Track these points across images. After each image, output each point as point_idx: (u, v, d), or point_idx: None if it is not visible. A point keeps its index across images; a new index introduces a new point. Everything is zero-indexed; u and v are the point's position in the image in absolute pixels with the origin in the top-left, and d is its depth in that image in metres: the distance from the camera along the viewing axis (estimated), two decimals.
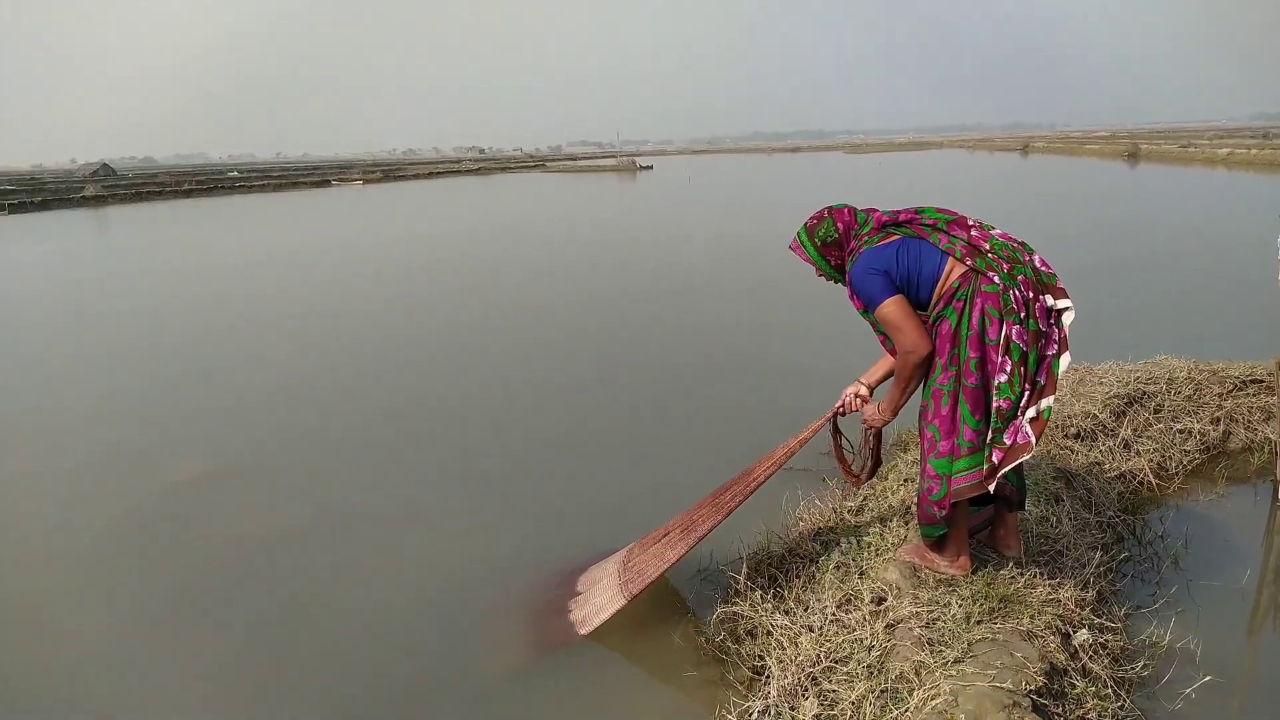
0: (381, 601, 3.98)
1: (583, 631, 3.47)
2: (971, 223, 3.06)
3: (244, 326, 10.54)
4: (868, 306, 3.04)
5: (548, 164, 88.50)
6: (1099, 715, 2.66)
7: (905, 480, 4.21)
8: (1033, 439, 2.89)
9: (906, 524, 3.66)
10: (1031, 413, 2.90)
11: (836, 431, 3.55)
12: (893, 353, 3.13)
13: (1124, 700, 2.79)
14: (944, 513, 3.02)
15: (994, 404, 2.88)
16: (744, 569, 3.58)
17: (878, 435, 3.43)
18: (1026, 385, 2.87)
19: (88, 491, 5.40)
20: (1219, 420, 5.03)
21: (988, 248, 2.95)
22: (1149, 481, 4.49)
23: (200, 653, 3.67)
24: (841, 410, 3.39)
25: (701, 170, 61.46)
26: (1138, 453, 4.67)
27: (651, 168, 66.82)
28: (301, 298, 12.58)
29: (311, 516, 4.89)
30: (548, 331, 9.42)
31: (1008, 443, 2.88)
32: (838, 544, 3.67)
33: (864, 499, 4.17)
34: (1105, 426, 4.79)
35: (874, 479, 3.75)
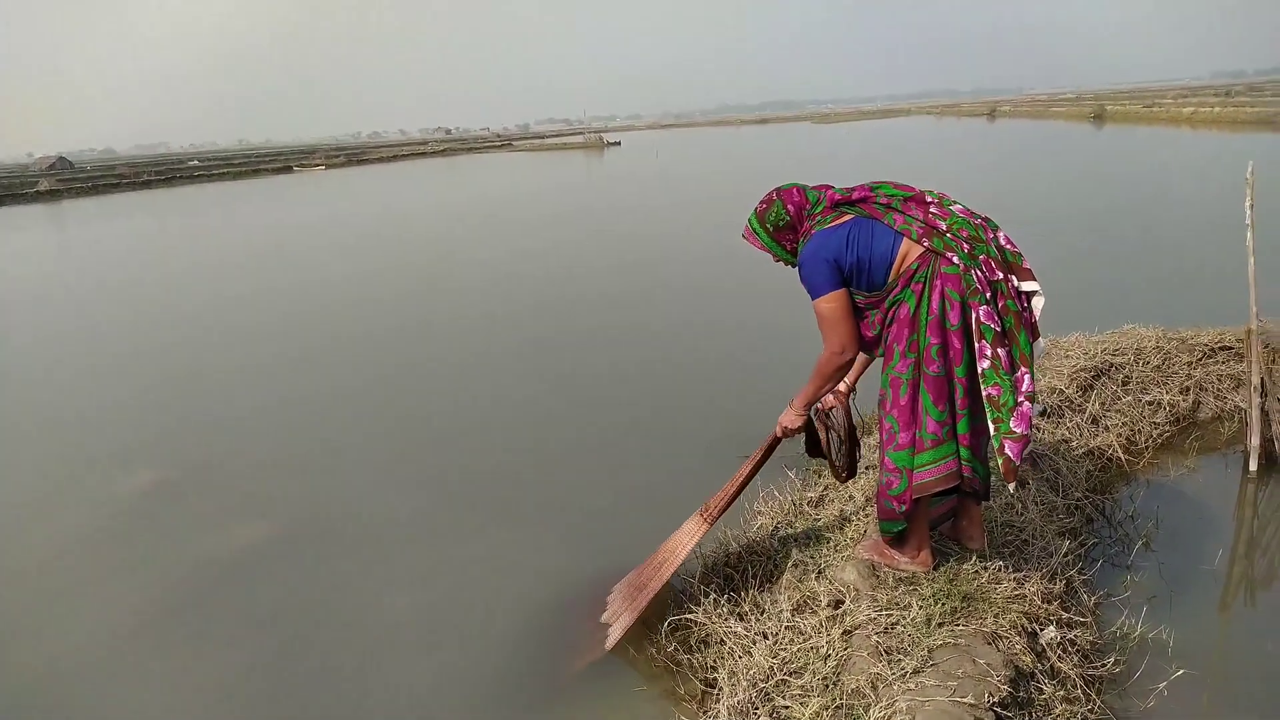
0: (378, 622, 3.70)
1: (607, 646, 3.25)
2: (929, 200, 2.86)
3: (191, 326, 10.19)
4: (809, 294, 2.85)
5: (515, 143, 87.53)
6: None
7: (868, 467, 4.03)
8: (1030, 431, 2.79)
9: (867, 516, 3.49)
10: (1036, 408, 2.76)
11: (823, 425, 3.28)
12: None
13: (1094, 702, 2.63)
14: (904, 508, 2.84)
15: (984, 392, 2.71)
16: (699, 570, 3.40)
17: (850, 431, 3.22)
18: (1024, 366, 2.71)
19: (30, 507, 5.09)
20: (1188, 390, 4.90)
21: (945, 226, 2.76)
22: (1118, 458, 4.35)
23: (180, 684, 3.39)
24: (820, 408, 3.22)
25: (669, 145, 60.92)
26: (1106, 428, 4.52)
27: (620, 144, 66.18)
28: (259, 295, 12.20)
29: (283, 528, 4.57)
30: (525, 329, 9.12)
31: (1018, 431, 2.70)
32: (795, 540, 3.49)
33: (824, 489, 3.99)
34: (1072, 402, 4.64)
35: (854, 477, 3.45)
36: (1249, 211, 4.06)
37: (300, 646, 3.59)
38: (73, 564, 4.41)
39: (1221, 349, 5.10)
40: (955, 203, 2.87)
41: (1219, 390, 4.92)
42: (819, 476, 4.26)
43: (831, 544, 3.38)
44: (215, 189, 41.23)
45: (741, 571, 3.42)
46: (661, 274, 11.20)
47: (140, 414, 6.70)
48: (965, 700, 2.30)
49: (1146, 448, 4.51)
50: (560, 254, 13.81)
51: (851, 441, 3.23)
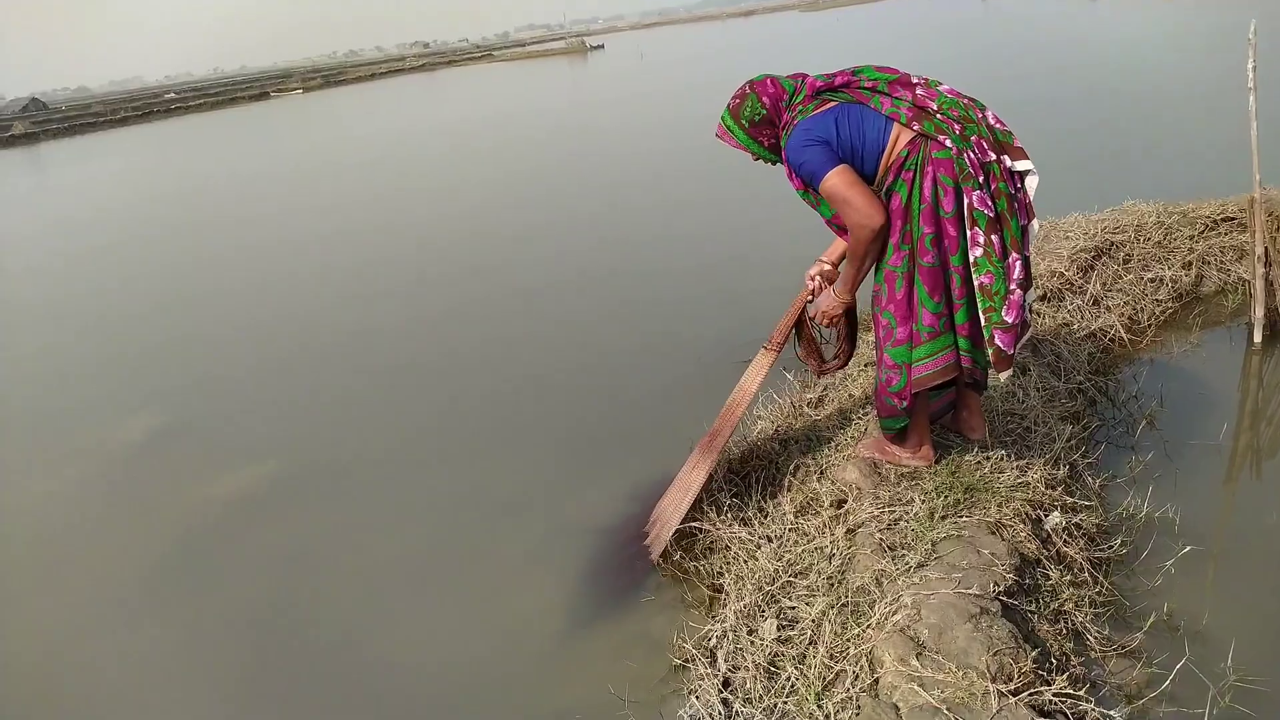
0: (389, 560, 3.63)
1: (654, 556, 3.17)
2: (915, 80, 2.72)
3: (180, 265, 10.05)
4: (809, 183, 2.71)
5: (495, 53, 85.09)
6: (1076, 605, 2.51)
7: (866, 365, 3.98)
8: (1029, 318, 2.76)
9: (867, 415, 3.45)
10: (1033, 295, 2.71)
11: (804, 320, 3.18)
12: (842, 233, 2.83)
13: (1101, 584, 2.64)
14: (905, 404, 2.80)
15: (976, 281, 2.63)
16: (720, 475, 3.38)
17: (851, 313, 3.05)
18: (1015, 252, 2.62)
19: (22, 462, 5.05)
20: (1191, 264, 4.80)
21: (935, 107, 2.63)
22: (1120, 338, 4.29)
23: (182, 630, 3.37)
24: (811, 295, 3.08)
25: (654, 45, 59.15)
26: (1108, 308, 4.45)
27: (603, 47, 64.31)
28: (248, 229, 11.99)
29: (292, 471, 4.49)
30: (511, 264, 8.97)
31: (1009, 320, 2.63)
32: (797, 442, 3.47)
33: (824, 389, 3.94)
34: (1073, 284, 4.55)
35: (849, 363, 3.34)
36: (1251, 74, 3.90)
37: (309, 585, 3.57)
38: (70, 511, 4.40)
39: (1224, 220, 4.98)
40: (941, 84, 2.74)
41: (1222, 263, 4.83)
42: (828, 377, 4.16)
43: (833, 444, 3.36)
44: (194, 121, 40.20)
45: (745, 477, 3.40)
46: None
47: (136, 365, 6.62)
48: (970, 591, 2.29)
49: (1149, 326, 4.45)
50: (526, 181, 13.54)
51: (851, 320, 3.07)
